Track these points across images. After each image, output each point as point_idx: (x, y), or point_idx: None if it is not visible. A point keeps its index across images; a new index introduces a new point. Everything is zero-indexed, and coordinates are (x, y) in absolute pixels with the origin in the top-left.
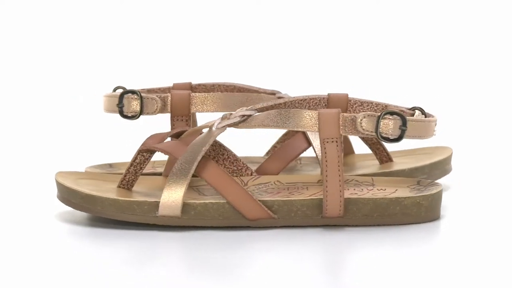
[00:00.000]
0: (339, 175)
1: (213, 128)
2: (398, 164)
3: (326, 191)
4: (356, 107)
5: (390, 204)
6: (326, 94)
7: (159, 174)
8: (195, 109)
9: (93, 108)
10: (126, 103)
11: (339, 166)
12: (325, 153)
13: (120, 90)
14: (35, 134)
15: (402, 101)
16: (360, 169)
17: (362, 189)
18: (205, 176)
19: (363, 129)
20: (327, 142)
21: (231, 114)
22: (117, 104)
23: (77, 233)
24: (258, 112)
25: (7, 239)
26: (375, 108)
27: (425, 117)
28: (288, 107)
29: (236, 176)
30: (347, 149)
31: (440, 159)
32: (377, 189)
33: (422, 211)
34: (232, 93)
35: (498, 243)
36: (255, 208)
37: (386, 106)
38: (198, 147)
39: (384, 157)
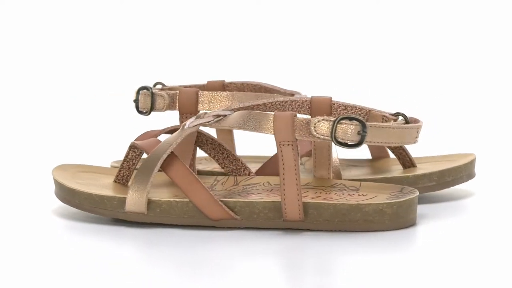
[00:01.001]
0: (296, 179)
1: (185, 127)
2: (419, 170)
3: (284, 195)
4: (340, 110)
5: (351, 210)
6: (310, 96)
7: None
8: (202, 107)
9: (126, 103)
10: (141, 99)
11: (295, 169)
12: (282, 156)
13: (159, 86)
14: (68, 129)
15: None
16: (384, 173)
17: (343, 194)
18: (170, 174)
19: (317, 133)
20: (283, 145)
21: (205, 113)
22: (134, 100)
23: (72, 228)
24: (235, 112)
25: (16, 222)
26: (359, 112)
27: (407, 123)
28: (269, 109)
29: (234, 176)
30: (382, 153)
31: (454, 166)
32: (358, 195)
33: (386, 219)
34: (239, 93)
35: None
36: (217, 209)
37: (369, 110)
38: (166, 145)
39: (407, 162)
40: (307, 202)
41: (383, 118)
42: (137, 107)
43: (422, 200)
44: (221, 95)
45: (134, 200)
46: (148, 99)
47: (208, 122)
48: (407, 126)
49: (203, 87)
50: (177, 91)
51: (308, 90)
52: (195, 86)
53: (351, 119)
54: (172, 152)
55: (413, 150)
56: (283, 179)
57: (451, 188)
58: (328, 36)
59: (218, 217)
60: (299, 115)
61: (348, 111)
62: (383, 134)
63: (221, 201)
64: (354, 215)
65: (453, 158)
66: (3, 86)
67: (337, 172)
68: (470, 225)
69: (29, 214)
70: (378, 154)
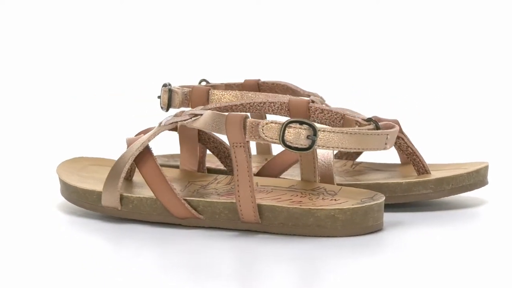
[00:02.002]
0: (249, 180)
1: (161, 124)
2: (424, 177)
3: (239, 196)
4: (317, 113)
5: (303, 214)
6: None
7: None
8: (212, 105)
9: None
10: (162, 95)
11: (248, 171)
12: (235, 157)
13: (203, 83)
14: (93, 124)
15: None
16: (398, 178)
17: (317, 198)
18: (141, 171)
19: (266, 136)
20: (235, 146)
21: (182, 112)
22: (158, 96)
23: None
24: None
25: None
26: (335, 116)
27: (377, 129)
28: (247, 109)
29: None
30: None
31: (453, 174)
32: (330, 199)
33: (338, 225)
34: (249, 92)
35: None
36: (180, 208)
37: (344, 115)
38: (139, 142)
39: (420, 168)
40: (262, 205)
41: (356, 123)
42: (160, 104)
43: (426, 208)
44: (230, 94)
45: (108, 196)
46: (166, 96)
47: (184, 120)
48: (369, 132)
49: (240, 86)
50: (191, 89)
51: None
52: (233, 84)
53: (301, 123)
54: (147, 150)
55: (439, 157)
56: (237, 180)
57: (459, 196)
58: (339, 36)
59: (182, 216)
60: (279, 117)
61: (324, 114)
62: (338, 139)
63: (186, 200)
64: (307, 219)
65: (465, 166)
66: (11, 85)
67: (330, 176)
68: (436, 235)
69: (34, 206)
70: (406, 159)
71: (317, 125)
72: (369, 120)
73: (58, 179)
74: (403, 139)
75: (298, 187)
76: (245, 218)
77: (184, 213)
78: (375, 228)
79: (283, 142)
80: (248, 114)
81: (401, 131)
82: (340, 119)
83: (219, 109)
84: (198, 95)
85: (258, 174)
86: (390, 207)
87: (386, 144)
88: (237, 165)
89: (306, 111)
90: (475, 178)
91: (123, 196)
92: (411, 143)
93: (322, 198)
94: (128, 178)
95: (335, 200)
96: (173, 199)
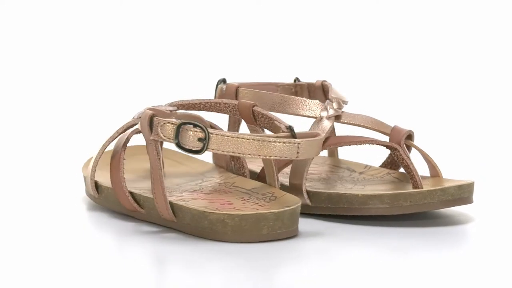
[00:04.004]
0: (159, 178)
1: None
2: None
3: (154, 193)
4: (260, 117)
5: (200, 216)
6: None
7: None
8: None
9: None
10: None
11: (159, 168)
12: (149, 154)
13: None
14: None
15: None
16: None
17: (255, 201)
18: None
19: (163, 135)
20: (148, 143)
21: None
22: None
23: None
24: (178, 108)
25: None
26: (270, 123)
27: (294, 137)
28: (202, 108)
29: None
30: (433, 172)
31: (410, 191)
32: (262, 205)
33: (228, 230)
34: (268, 93)
35: None
36: (125, 200)
37: (274, 121)
38: (115, 132)
39: (414, 182)
40: (174, 203)
41: (281, 130)
42: None
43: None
44: (251, 93)
45: (87, 182)
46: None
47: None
48: (273, 140)
49: (313, 86)
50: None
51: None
52: (307, 84)
53: (195, 125)
54: (117, 145)
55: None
56: (152, 177)
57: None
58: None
59: (128, 207)
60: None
61: (265, 119)
62: (232, 144)
63: (131, 193)
64: (202, 222)
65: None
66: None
67: (298, 186)
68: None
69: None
70: (432, 173)
71: (212, 130)
72: (288, 127)
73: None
74: (398, 151)
75: (256, 190)
76: (163, 215)
77: (128, 205)
78: (271, 237)
79: (177, 142)
80: (151, 112)
81: (409, 143)
82: (271, 125)
83: (182, 106)
84: (228, 92)
85: (260, 173)
86: (349, 218)
87: (298, 153)
88: (150, 162)
89: (250, 114)
90: (440, 197)
91: (98, 184)
92: (408, 156)
93: (254, 203)
94: None
95: (262, 206)
96: (120, 191)
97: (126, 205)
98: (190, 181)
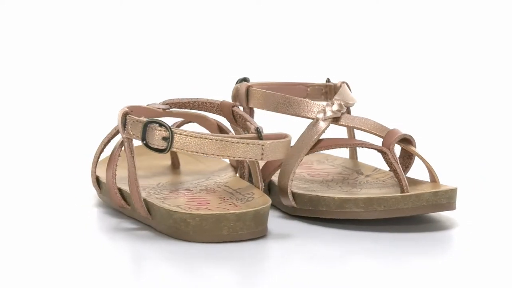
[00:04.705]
0: (134, 176)
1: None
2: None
3: (131, 190)
4: (238, 117)
5: (166, 215)
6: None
7: None
8: (252, 102)
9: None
10: None
11: (133, 165)
12: (125, 152)
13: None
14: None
15: None
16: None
17: (228, 201)
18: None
19: (133, 134)
20: (125, 141)
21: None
22: None
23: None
24: (170, 107)
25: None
26: (244, 123)
27: (260, 139)
28: (192, 106)
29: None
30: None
31: (387, 196)
32: (236, 205)
33: (190, 229)
34: (273, 93)
35: None
36: (113, 196)
37: (246, 122)
38: (112, 129)
39: (401, 187)
40: (148, 201)
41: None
42: None
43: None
44: (258, 93)
45: (92, 178)
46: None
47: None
48: (235, 141)
49: (334, 87)
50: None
51: None
52: (334, 84)
53: (160, 124)
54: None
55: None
56: (128, 175)
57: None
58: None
59: (116, 203)
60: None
61: (242, 119)
62: (195, 144)
63: (119, 189)
64: (168, 220)
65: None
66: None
67: (284, 187)
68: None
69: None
70: (430, 178)
71: (176, 129)
72: (256, 129)
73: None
74: (387, 155)
75: (240, 190)
76: (141, 213)
77: (116, 201)
78: (232, 238)
79: (145, 142)
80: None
81: (406, 147)
82: (249, 129)
83: (174, 104)
84: (241, 91)
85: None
86: (328, 221)
87: (262, 154)
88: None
89: (230, 114)
90: (415, 203)
91: (99, 179)
92: (396, 161)
93: (230, 203)
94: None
95: (235, 206)
96: (111, 187)
97: (115, 201)
98: (196, 180)
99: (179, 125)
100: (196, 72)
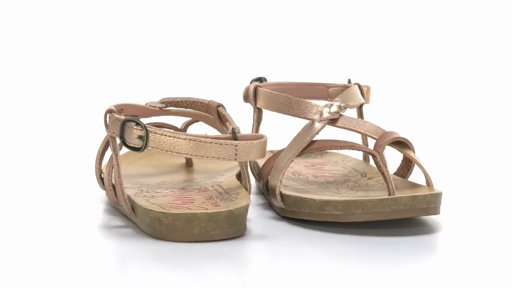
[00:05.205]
0: (117, 173)
1: None
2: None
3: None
4: (222, 117)
5: (143, 213)
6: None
7: None
8: (259, 102)
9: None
10: None
11: (117, 164)
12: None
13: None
14: None
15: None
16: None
17: (212, 201)
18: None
19: (113, 132)
20: (110, 140)
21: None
22: None
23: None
24: (166, 105)
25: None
26: (225, 125)
27: (235, 139)
28: (185, 105)
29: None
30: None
31: (365, 199)
32: (218, 204)
33: (164, 228)
34: (277, 94)
35: None
36: (108, 192)
37: (225, 122)
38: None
39: (388, 190)
40: (132, 199)
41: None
42: None
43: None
44: (265, 93)
45: (96, 174)
46: None
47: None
48: (208, 141)
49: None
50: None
51: None
52: (340, 86)
53: (137, 123)
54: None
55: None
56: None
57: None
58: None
59: (112, 201)
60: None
61: (225, 120)
62: (170, 143)
63: (114, 186)
64: (145, 218)
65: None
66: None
67: (273, 188)
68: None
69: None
70: (427, 181)
71: (152, 128)
72: (232, 130)
73: None
74: (376, 158)
75: (229, 190)
76: (125, 210)
77: (113, 199)
78: (204, 237)
79: (123, 140)
80: (112, 108)
81: (402, 151)
82: (226, 130)
83: (169, 103)
84: (251, 91)
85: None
86: (309, 223)
87: (236, 155)
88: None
89: (216, 114)
90: (392, 207)
91: (103, 177)
92: (384, 164)
93: (213, 203)
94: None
95: (216, 206)
96: (106, 184)
97: (110, 198)
98: (202, 178)
99: (188, 124)
100: (214, 72)
